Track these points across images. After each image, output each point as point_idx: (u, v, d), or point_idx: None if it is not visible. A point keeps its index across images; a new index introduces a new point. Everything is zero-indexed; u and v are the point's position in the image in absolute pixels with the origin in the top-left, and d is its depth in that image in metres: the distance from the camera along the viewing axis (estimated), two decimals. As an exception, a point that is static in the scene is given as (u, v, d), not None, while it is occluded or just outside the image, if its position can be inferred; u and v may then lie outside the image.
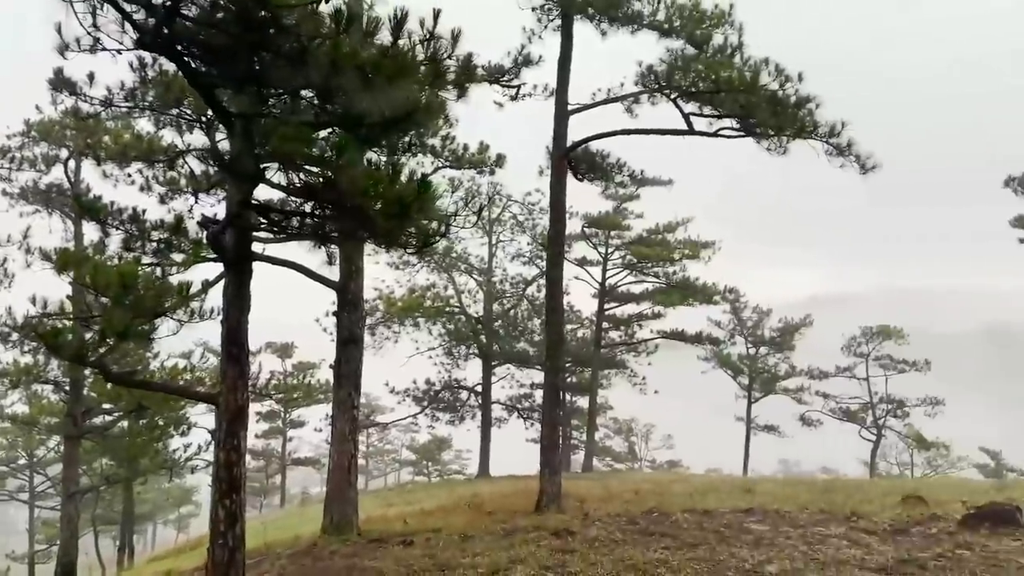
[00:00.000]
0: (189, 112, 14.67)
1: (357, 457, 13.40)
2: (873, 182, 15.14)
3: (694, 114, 14.99)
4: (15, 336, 20.93)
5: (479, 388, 36.17)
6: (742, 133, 14.68)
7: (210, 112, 13.59)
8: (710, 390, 47.76)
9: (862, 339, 42.36)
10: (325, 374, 41.02)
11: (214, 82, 7.77)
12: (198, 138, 15.50)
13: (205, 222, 8.73)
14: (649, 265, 37.79)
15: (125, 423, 24.92)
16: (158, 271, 10.52)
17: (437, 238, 8.35)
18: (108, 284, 9.02)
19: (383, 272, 41.46)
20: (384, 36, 6.37)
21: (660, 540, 10.30)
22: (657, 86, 15.03)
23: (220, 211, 12.94)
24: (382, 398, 45.00)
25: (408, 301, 34.04)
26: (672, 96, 15.00)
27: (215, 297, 10.47)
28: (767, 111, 13.82)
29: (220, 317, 9.45)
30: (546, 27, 15.87)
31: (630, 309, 39.79)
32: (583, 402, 41.52)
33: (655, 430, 59.24)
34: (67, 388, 22.94)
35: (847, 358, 42.61)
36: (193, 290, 9.77)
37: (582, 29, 15.56)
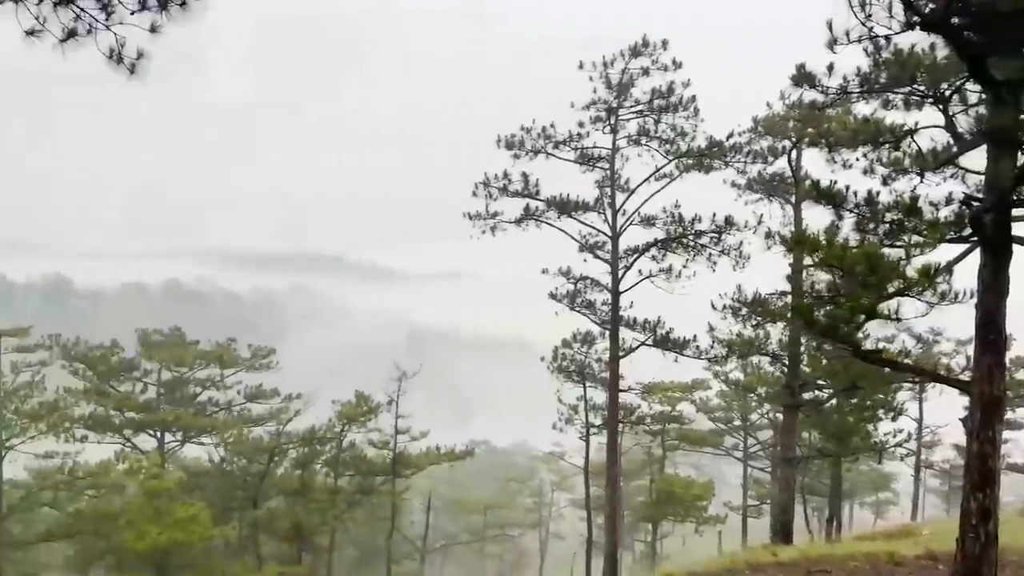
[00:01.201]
0: (921, 89, 14.24)
1: None
2: None
3: None
4: (744, 311, 23.78)
5: None
6: None
7: (943, 87, 13.00)
8: None
9: None
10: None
11: (984, 52, 7.36)
12: (926, 116, 14.97)
13: (967, 200, 8.42)
14: None
15: (835, 401, 25.85)
16: (901, 253, 10.54)
17: None
18: (854, 265, 9.50)
19: None
20: None
21: None
22: None
23: (949, 190, 12.21)
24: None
25: None
26: None
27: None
28: None
29: (974, 301, 9.01)
30: None
31: None
32: None
33: None
34: (785, 362, 25.02)
35: None
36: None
37: None
